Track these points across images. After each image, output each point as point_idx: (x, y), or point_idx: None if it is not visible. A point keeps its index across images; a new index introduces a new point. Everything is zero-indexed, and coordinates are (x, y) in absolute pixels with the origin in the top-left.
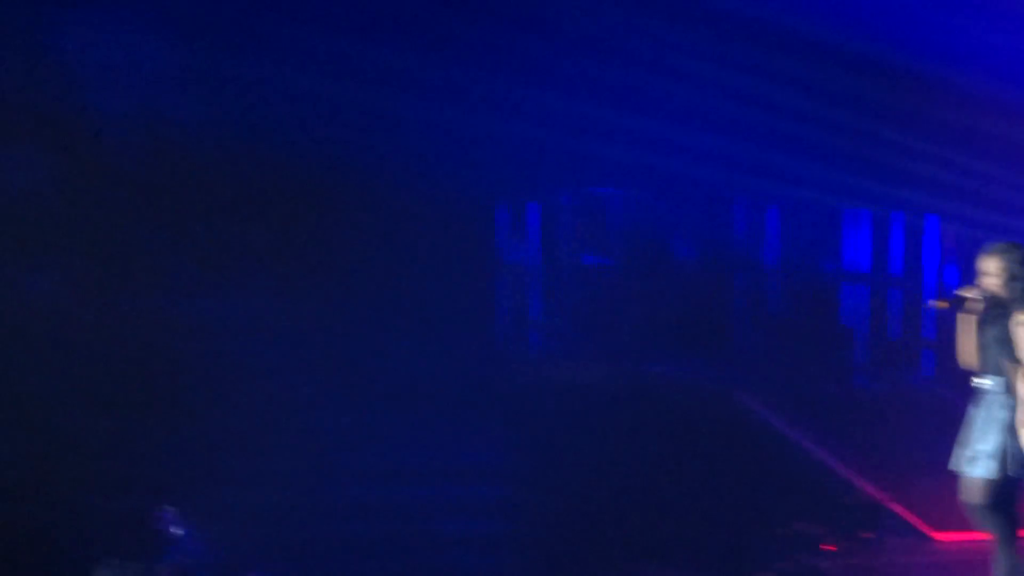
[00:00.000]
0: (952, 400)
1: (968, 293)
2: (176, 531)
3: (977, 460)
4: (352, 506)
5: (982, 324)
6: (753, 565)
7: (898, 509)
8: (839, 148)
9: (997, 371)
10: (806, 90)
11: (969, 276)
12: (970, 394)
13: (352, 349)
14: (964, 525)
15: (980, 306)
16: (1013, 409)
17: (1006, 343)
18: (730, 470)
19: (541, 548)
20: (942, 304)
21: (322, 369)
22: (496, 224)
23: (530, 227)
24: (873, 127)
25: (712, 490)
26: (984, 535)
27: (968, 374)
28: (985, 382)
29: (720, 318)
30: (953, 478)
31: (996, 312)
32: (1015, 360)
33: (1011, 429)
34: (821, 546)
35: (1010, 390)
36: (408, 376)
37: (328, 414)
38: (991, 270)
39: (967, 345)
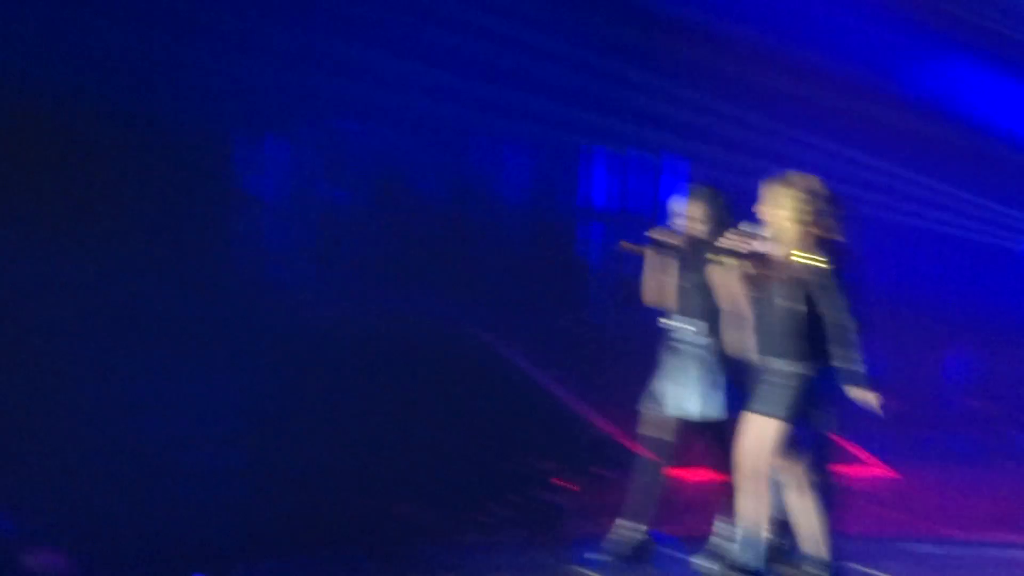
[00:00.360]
0: None
1: (662, 236)
2: None
3: (673, 400)
4: (92, 439)
5: (683, 268)
6: (487, 500)
7: (632, 445)
8: (579, 86)
9: (698, 315)
10: (546, 28)
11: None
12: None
13: (90, 283)
14: (697, 462)
15: (676, 249)
16: (710, 353)
17: (708, 289)
18: (468, 407)
19: (273, 481)
20: (635, 248)
21: (62, 302)
22: (238, 158)
23: (273, 161)
24: (614, 66)
25: (449, 427)
26: (716, 472)
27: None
28: (685, 326)
29: (461, 255)
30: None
31: (699, 257)
32: (716, 306)
33: (707, 372)
34: (553, 480)
35: (708, 335)
36: (148, 311)
37: (67, 346)
38: (695, 215)
39: (653, 283)
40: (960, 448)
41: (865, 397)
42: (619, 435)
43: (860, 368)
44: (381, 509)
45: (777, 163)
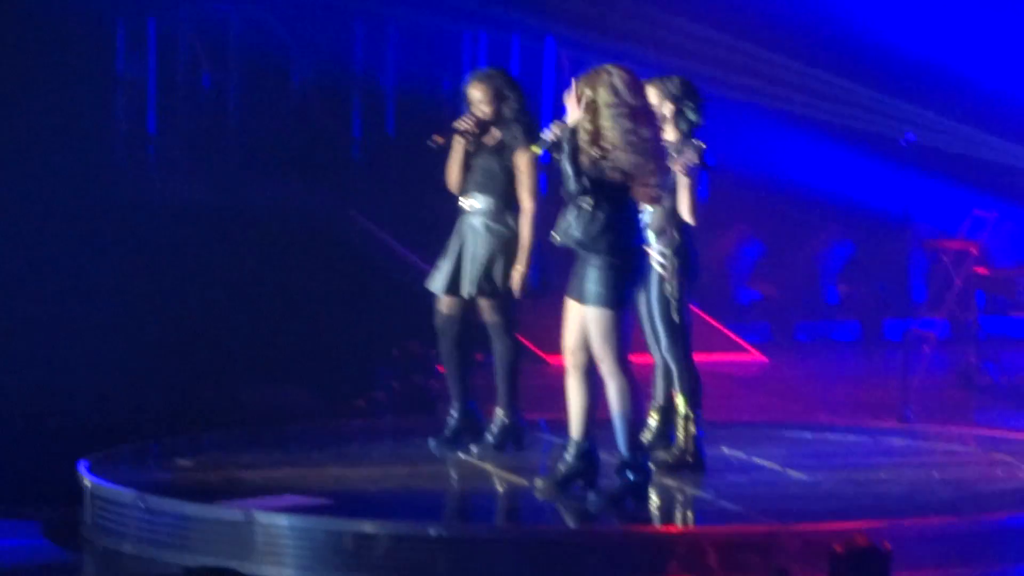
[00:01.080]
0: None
1: (463, 124)
2: None
3: (462, 280)
4: None
5: (475, 150)
6: (367, 385)
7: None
8: None
9: (489, 194)
10: None
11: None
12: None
13: None
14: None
15: (471, 134)
16: (500, 234)
17: (499, 171)
18: (343, 291)
19: (146, 366)
20: (440, 140)
21: None
22: (114, 40)
23: (148, 43)
24: None
25: (328, 313)
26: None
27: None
28: (475, 204)
29: (337, 137)
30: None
31: (481, 139)
32: (503, 188)
33: (497, 252)
34: (439, 368)
35: (497, 216)
36: (23, 196)
37: None
38: (479, 97)
39: (455, 171)
40: (834, 335)
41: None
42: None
43: None
44: (259, 393)
45: (652, 49)
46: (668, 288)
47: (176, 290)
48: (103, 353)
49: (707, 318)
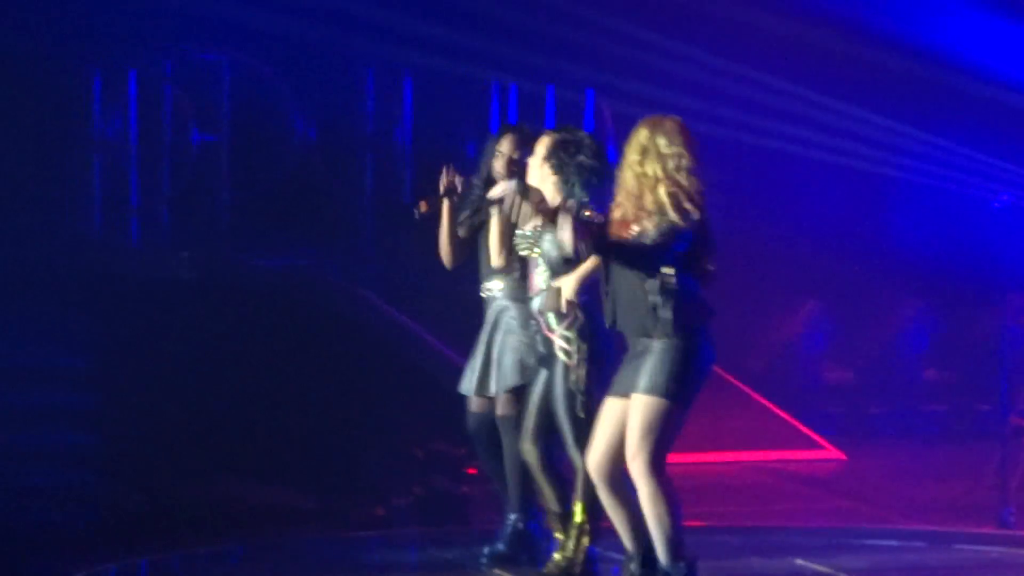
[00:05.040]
0: None
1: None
2: None
3: (496, 374)
4: None
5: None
6: (388, 490)
7: None
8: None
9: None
10: None
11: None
12: None
13: None
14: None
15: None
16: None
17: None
18: (357, 381)
19: (129, 462)
20: (424, 208)
21: None
22: (90, 96)
23: (129, 100)
24: None
25: (338, 404)
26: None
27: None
28: (491, 288)
29: (345, 204)
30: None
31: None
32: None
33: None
34: (466, 469)
35: (515, 296)
36: None
37: None
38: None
39: (444, 242)
40: (920, 426)
41: None
42: None
43: None
44: (261, 499)
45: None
46: (574, 378)
47: (161, 376)
48: (75, 447)
49: (775, 408)
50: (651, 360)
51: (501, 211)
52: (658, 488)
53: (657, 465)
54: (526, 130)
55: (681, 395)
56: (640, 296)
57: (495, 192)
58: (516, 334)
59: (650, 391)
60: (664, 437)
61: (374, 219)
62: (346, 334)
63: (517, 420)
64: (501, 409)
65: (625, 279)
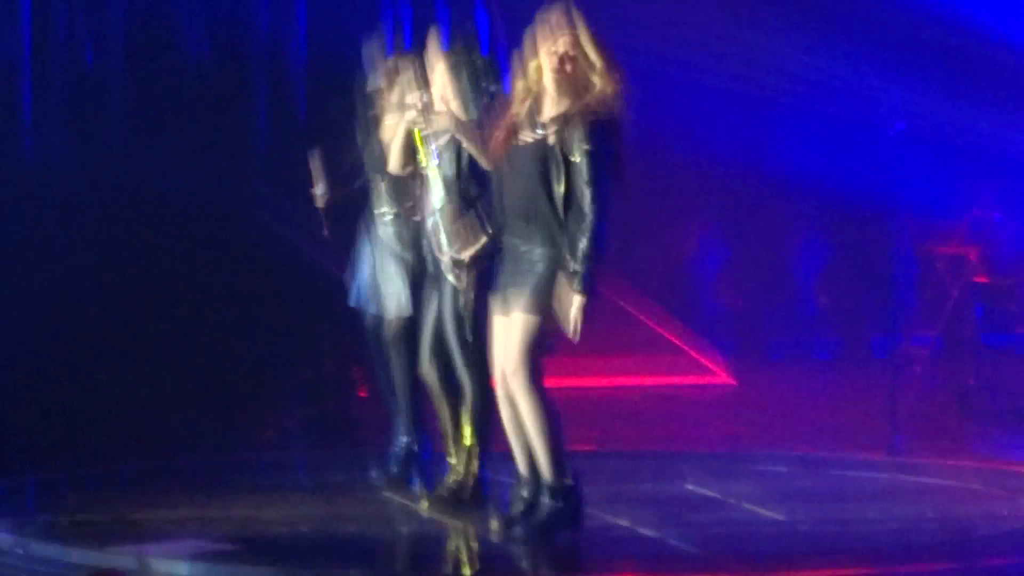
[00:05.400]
0: None
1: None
2: None
3: (381, 299)
4: None
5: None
6: (279, 412)
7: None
8: None
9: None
10: None
11: None
12: None
13: None
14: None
15: None
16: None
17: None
18: (248, 303)
19: (18, 386)
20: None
21: None
22: None
23: (22, 19)
24: None
25: (229, 326)
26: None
27: None
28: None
29: (239, 123)
30: None
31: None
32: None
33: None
34: (359, 392)
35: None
36: None
37: None
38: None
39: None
40: (812, 352)
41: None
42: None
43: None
44: (152, 421)
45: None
46: (462, 302)
47: (51, 298)
48: None
49: (667, 335)
50: (532, 276)
51: (410, 120)
52: (539, 401)
53: (537, 379)
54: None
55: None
56: (527, 203)
57: (410, 100)
58: (396, 261)
59: (530, 310)
60: (540, 348)
61: (268, 139)
62: (238, 256)
63: (405, 344)
64: (388, 331)
65: (516, 187)
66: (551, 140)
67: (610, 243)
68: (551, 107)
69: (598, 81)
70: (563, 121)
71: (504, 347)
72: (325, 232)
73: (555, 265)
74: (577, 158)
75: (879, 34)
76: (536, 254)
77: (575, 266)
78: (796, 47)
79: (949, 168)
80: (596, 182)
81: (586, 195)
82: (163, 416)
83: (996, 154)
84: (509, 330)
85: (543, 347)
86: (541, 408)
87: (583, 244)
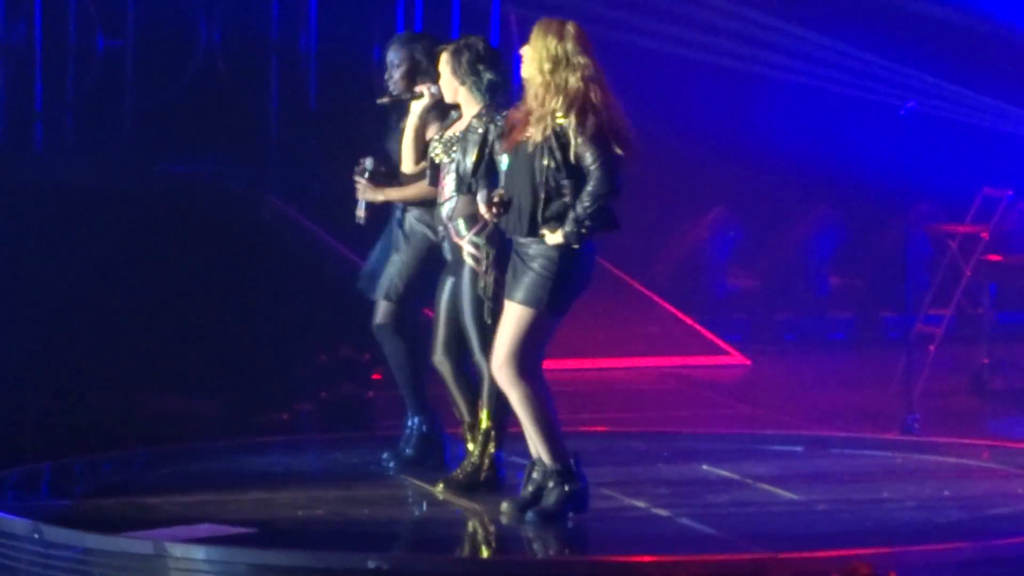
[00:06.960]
0: None
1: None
2: None
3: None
4: None
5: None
6: (294, 395)
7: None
8: None
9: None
10: None
11: None
12: None
13: None
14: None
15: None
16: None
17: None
18: (262, 287)
19: (33, 371)
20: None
21: None
22: None
23: (33, 4)
24: None
25: (243, 310)
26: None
27: None
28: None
29: (250, 109)
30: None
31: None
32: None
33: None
34: (373, 376)
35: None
36: None
37: None
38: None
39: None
40: (825, 333)
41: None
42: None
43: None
44: (165, 405)
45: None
46: (482, 285)
47: (64, 285)
48: None
49: (680, 315)
50: (532, 271)
51: (417, 116)
52: (526, 391)
53: (525, 370)
54: (424, 39)
55: (556, 305)
56: (530, 200)
57: (418, 90)
58: (405, 250)
59: (525, 302)
60: (536, 343)
61: (279, 125)
62: (251, 240)
63: (395, 328)
64: (377, 317)
65: (518, 183)
66: (547, 135)
67: (615, 212)
68: (541, 107)
69: (571, 79)
70: (553, 118)
71: (497, 337)
72: (361, 219)
73: (555, 262)
74: (576, 146)
75: (890, 14)
76: (537, 249)
77: (570, 224)
78: (808, 27)
79: (961, 146)
80: (599, 157)
81: (592, 167)
82: (178, 400)
83: (1008, 132)
84: (504, 321)
85: (539, 344)
86: (529, 399)
87: (584, 202)
